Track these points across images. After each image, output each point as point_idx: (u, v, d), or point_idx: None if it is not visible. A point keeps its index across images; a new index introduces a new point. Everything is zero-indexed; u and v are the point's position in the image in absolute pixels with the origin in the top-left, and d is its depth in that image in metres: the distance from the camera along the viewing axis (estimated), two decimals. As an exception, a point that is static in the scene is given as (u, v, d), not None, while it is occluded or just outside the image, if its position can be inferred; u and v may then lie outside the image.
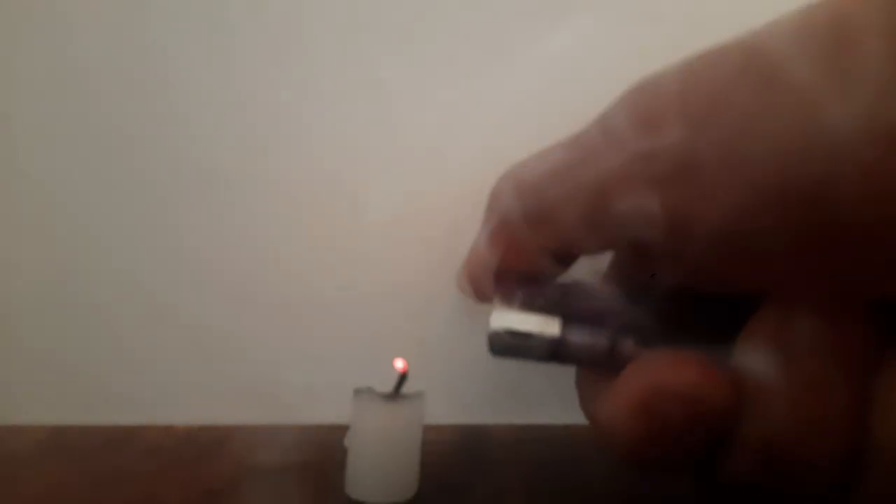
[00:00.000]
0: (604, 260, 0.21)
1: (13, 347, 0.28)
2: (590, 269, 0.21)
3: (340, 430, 0.23)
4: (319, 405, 0.28)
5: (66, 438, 0.27)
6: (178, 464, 0.25)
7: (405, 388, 0.23)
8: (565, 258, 0.20)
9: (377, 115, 0.27)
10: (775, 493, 0.16)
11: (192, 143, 0.27)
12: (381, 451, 0.22)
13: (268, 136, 0.27)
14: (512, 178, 0.20)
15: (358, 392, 0.22)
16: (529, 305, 0.19)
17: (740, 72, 0.14)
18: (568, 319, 0.18)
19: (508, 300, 0.19)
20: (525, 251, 0.20)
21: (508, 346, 0.19)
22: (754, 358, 0.16)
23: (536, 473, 0.24)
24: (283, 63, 0.27)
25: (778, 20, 0.14)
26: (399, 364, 0.22)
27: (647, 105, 0.16)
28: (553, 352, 0.18)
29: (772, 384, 0.15)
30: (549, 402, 0.28)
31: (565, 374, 0.28)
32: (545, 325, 0.18)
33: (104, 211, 0.27)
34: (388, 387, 0.23)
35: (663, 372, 0.16)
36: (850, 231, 0.13)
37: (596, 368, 0.19)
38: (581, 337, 0.18)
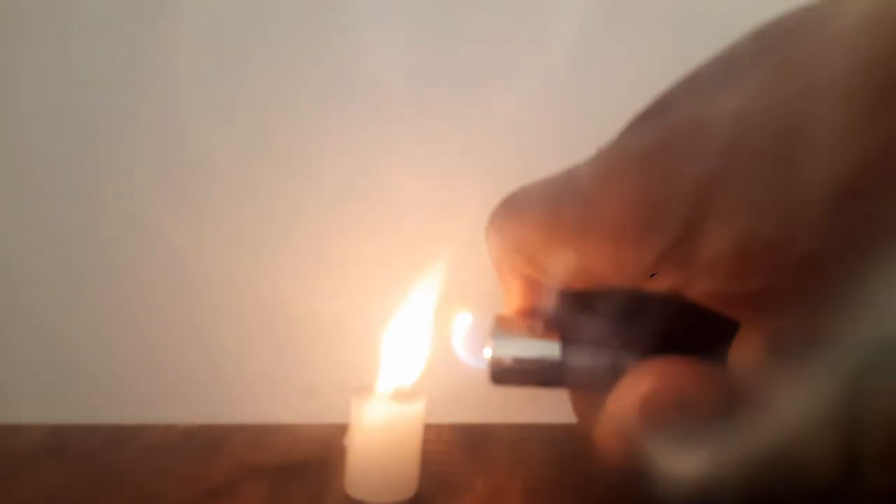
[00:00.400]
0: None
1: (13, 347, 0.28)
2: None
3: (340, 430, 0.23)
4: (319, 404, 0.28)
5: (65, 437, 0.27)
6: (178, 463, 0.25)
7: (405, 388, 0.23)
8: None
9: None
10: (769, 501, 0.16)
11: (193, 144, 0.27)
12: (381, 450, 0.22)
13: (269, 138, 0.27)
14: (514, 215, 0.19)
15: (358, 391, 0.22)
16: (528, 331, 0.18)
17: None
18: (568, 340, 0.18)
19: (506, 325, 0.19)
20: (528, 288, 0.19)
21: (509, 373, 0.18)
22: (748, 362, 0.16)
23: (536, 473, 0.24)
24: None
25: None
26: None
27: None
28: (555, 377, 0.18)
29: (765, 388, 0.15)
30: (549, 401, 0.28)
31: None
32: (545, 350, 0.18)
33: (104, 211, 0.27)
34: (388, 387, 0.23)
35: (658, 379, 0.16)
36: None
37: (597, 390, 0.19)
38: (582, 360, 0.18)
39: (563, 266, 0.17)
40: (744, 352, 0.16)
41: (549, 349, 0.18)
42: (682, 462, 0.17)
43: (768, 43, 0.15)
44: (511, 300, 0.20)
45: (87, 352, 0.28)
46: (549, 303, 0.19)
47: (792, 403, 0.15)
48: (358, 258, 0.27)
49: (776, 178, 0.14)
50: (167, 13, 0.26)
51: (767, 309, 0.15)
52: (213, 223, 0.27)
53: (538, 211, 0.18)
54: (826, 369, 0.15)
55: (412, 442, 0.22)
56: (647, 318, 0.18)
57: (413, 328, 0.24)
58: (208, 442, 0.26)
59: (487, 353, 0.19)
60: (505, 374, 0.18)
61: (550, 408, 0.28)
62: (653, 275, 0.19)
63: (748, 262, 0.14)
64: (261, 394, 0.28)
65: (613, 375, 0.18)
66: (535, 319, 0.19)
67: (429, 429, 0.23)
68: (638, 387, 0.17)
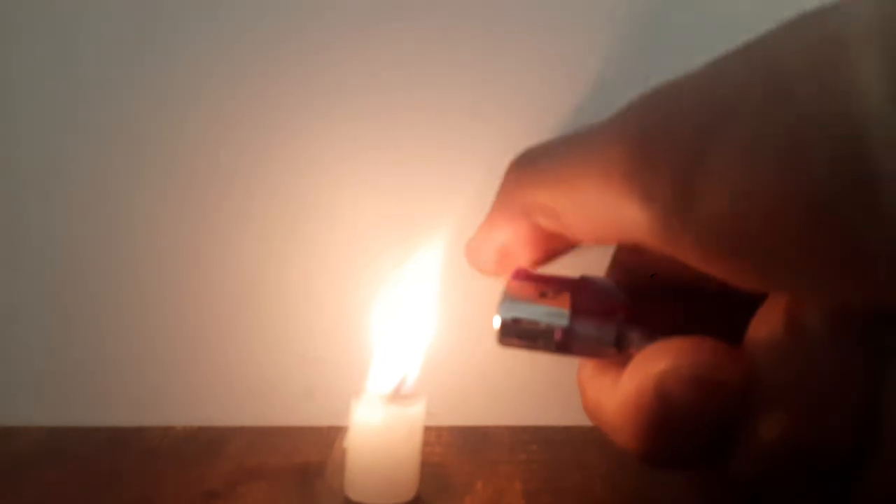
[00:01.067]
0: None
1: (12, 348, 0.28)
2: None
3: (340, 432, 0.23)
4: (319, 407, 0.28)
5: (64, 440, 0.27)
6: (177, 465, 0.25)
7: (405, 390, 0.23)
8: (563, 247, 0.20)
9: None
10: (779, 491, 0.16)
11: (193, 143, 0.27)
12: (381, 452, 0.22)
13: (269, 139, 0.27)
14: (530, 163, 0.20)
15: (358, 394, 0.22)
16: (538, 297, 0.19)
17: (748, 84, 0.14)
18: (576, 312, 0.18)
19: (517, 291, 0.19)
20: (530, 232, 0.19)
21: (516, 334, 0.19)
22: (766, 343, 0.16)
23: (537, 475, 0.24)
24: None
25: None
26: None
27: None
28: (560, 342, 0.18)
29: (783, 370, 0.15)
30: (549, 403, 0.28)
31: (565, 376, 0.28)
32: (553, 316, 0.19)
33: (104, 212, 0.27)
34: (388, 388, 0.23)
35: (676, 355, 0.16)
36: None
37: (602, 360, 0.19)
38: (588, 328, 0.18)
39: (571, 217, 0.18)
40: (761, 329, 0.16)
41: (557, 315, 0.18)
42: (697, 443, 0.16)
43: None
44: (502, 245, 0.20)
45: (85, 354, 0.28)
46: (556, 255, 0.20)
47: (810, 381, 0.15)
48: (359, 260, 0.27)
49: (776, 117, 0.13)
50: (167, 13, 0.26)
51: (780, 275, 0.14)
52: (212, 224, 0.27)
53: (549, 160, 0.18)
54: (845, 344, 0.15)
55: (412, 444, 0.22)
56: (662, 300, 0.19)
57: (413, 326, 0.24)
58: (207, 444, 0.26)
59: (496, 317, 0.19)
60: (511, 335, 0.19)
61: (550, 410, 0.28)
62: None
63: (752, 209, 0.13)
64: (260, 396, 0.28)
65: (624, 350, 0.18)
66: (547, 287, 0.19)
67: (428, 431, 0.23)
68: (654, 362, 0.16)
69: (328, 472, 0.24)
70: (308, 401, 0.28)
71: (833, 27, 0.13)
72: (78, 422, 0.28)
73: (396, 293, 0.24)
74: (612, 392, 0.18)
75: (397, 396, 0.22)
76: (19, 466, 0.25)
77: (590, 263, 0.21)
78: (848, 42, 0.13)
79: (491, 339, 0.28)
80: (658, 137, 0.15)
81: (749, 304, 0.16)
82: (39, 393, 0.28)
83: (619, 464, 0.25)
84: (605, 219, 0.17)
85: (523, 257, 0.20)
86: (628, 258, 0.21)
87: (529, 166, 0.19)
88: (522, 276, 0.20)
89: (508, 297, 0.19)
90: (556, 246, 0.20)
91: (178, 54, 0.26)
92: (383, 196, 0.27)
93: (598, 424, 0.19)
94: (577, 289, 0.19)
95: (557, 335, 0.18)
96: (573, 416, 0.28)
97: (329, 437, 0.26)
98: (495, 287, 0.27)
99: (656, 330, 0.18)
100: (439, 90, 0.27)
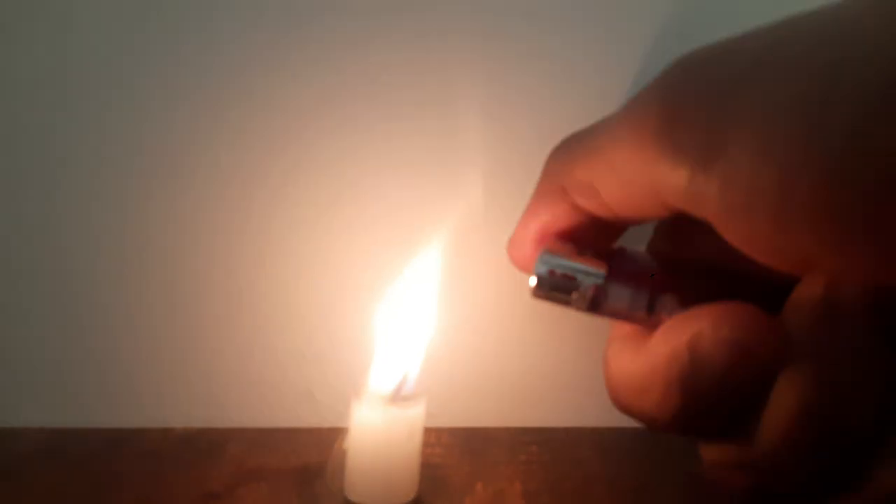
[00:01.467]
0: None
1: (12, 350, 0.28)
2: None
3: (340, 434, 0.23)
4: (319, 408, 0.28)
5: (64, 441, 0.27)
6: (177, 467, 0.25)
7: (405, 391, 0.23)
8: (609, 229, 0.20)
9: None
10: (797, 468, 0.16)
11: (193, 144, 0.27)
12: (381, 454, 0.22)
13: (270, 139, 0.27)
14: (567, 145, 0.20)
15: (358, 395, 0.22)
16: (576, 255, 0.19)
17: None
18: (612, 272, 0.19)
19: (555, 247, 0.20)
20: (570, 215, 0.20)
21: (551, 286, 0.19)
22: (802, 316, 0.16)
23: (536, 476, 0.24)
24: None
25: None
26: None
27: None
28: (594, 299, 0.19)
29: (816, 343, 0.15)
30: (549, 405, 0.28)
31: (565, 377, 0.28)
32: (589, 273, 0.19)
33: (104, 212, 0.27)
34: (388, 389, 0.23)
35: (711, 318, 0.16)
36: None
37: (630, 328, 0.19)
38: (622, 290, 0.19)
39: (606, 187, 0.18)
40: (798, 302, 0.16)
41: (593, 272, 0.19)
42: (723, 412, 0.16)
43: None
44: (545, 222, 0.20)
45: (85, 355, 0.28)
46: (593, 233, 0.20)
47: (841, 357, 0.15)
48: (359, 261, 0.27)
49: (799, 74, 0.14)
50: (167, 13, 0.26)
51: (795, 242, 0.14)
52: (212, 225, 0.27)
53: (583, 139, 0.19)
54: (879, 328, 0.15)
55: (412, 445, 0.22)
56: (696, 278, 0.19)
57: (413, 327, 0.24)
58: (207, 446, 0.26)
59: (534, 274, 0.19)
60: (546, 288, 0.19)
61: (551, 411, 0.28)
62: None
63: (770, 166, 0.14)
64: (260, 397, 0.28)
65: (655, 315, 0.18)
66: (585, 250, 0.20)
67: (428, 432, 0.23)
68: (691, 323, 0.16)
69: (328, 473, 0.24)
70: (308, 402, 0.28)
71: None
72: (78, 423, 0.28)
73: (397, 294, 0.24)
74: (641, 358, 0.17)
75: (397, 398, 0.22)
76: (19, 468, 0.25)
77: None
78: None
79: (491, 341, 0.28)
80: (688, 95, 0.16)
81: (784, 291, 0.16)
82: (39, 394, 0.28)
83: (618, 465, 0.25)
84: (638, 184, 0.17)
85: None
86: (663, 245, 0.21)
87: (565, 149, 0.20)
88: (562, 239, 0.20)
89: (547, 251, 0.19)
90: (595, 232, 0.20)
91: (178, 55, 0.26)
92: (384, 197, 0.27)
93: (621, 397, 0.19)
94: (614, 254, 0.20)
95: (592, 292, 0.19)
96: (573, 418, 0.28)
97: (329, 439, 0.26)
98: (495, 288, 0.27)
99: (689, 301, 0.18)
100: (440, 91, 0.27)
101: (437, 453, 0.26)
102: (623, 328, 0.20)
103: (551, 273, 0.19)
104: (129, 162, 0.27)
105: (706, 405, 0.16)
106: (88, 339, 0.28)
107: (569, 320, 0.27)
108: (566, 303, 0.19)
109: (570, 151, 0.20)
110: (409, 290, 0.24)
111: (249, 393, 0.28)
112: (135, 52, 0.26)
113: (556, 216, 0.20)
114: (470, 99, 0.27)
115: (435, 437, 0.27)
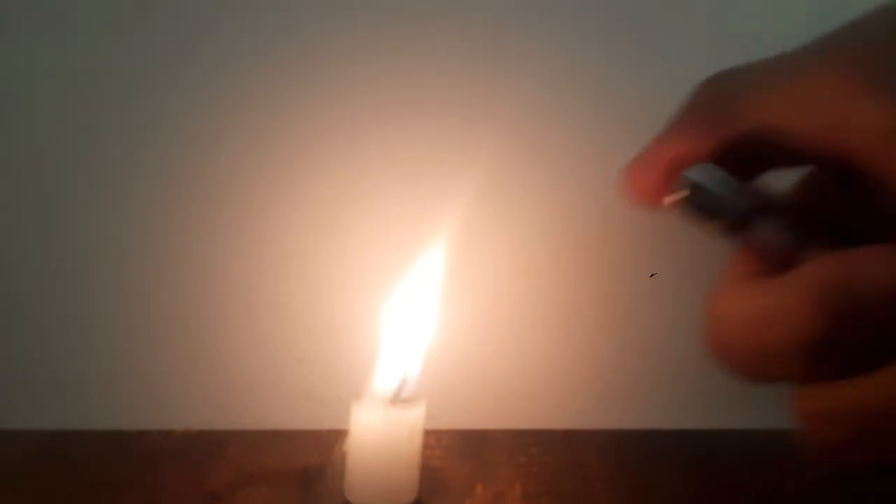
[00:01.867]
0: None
1: (12, 352, 0.28)
2: None
3: (340, 435, 0.23)
4: (319, 410, 0.28)
5: (64, 443, 0.27)
6: (178, 469, 0.25)
7: (405, 394, 0.23)
8: (744, 174, 0.20)
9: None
10: None
11: (193, 146, 0.27)
12: (381, 456, 0.22)
13: (270, 141, 0.27)
14: (728, 78, 0.20)
15: (358, 397, 0.22)
16: (729, 176, 0.19)
17: None
18: (764, 203, 0.19)
19: (709, 166, 0.19)
20: (711, 148, 0.19)
21: (704, 202, 0.19)
22: None
23: (536, 478, 0.24)
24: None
25: None
26: None
27: None
28: (744, 215, 0.18)
29: None
30: (549, 407, 0.28)
31: (565, 380, 0.28)
32: (741, 193, 0.19)
33: (104, 214, 0.27)
34: (388, 392, 0.23)
35: (874, 251, 0.16)
36: None
37: (771, 257, 0.18)
38: (771, 219, 0.18)
39: (788, 115, 0.18)
40: None
41: (744, 194, 0.19)
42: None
43: None
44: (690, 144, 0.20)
45: (85, 357, 0.28)
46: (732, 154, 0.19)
47: None
48: (360, 263, 0.27)
49: None
50: (168, 14, 0.26)
51: None
52: (212, 227, 0.27)
53: (757, 72, 0.19)
54: None
55: (412, 447, 0.22)
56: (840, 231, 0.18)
57: (414, 329, 0.24)
58: (208, 448, 0.26)
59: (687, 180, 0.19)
60: (699, 201, 0.19)
61: (550, 413, 0.28)
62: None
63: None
64: (260, 399, 0.28)
65: (803, 251, 0.18)
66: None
67: (428, 434, 0.23)
68: (848, 256, 0.16)
69: (328, 475, 0.24)
70: (308, 404, 0.28)
71: None
72: (78, 425, 0.28)
73: (398, 297, 0.24)
74: (775, 288, 0.17)
75: (398, 400, 0.22)
76: (20, 470, 0.25)
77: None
78: None
79: (490, 344, 0.28)
80: (892, 35, 0.16)
81: None
82: (40, 397, 0.28)
83: (617, 467, 0.25)
84: (825, 116, 0.17)
85: None
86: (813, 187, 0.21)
87: (724, 83, 0.20)
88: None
89: (701, 165, 0.19)
90: (735, 165, 0.20)
91: (179, 57, 0.27)
92: (385, 199, 0.27)
93: (734, 334, 0.17)
94: (765, 193, 0.19)
95: (747, 214, 0.18)
96: (573, 420, 0.28)
97: (329, 441, 0.26)
98: (495, 290, 0.28)
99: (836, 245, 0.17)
100: (441, 93, 0.27)
101: (437, 455, 0.26)
102: (742, 267, 0.19)
103: (700, 185, 0.18)
104: (129, 164, 0.27)
105: (857, 338, 0.15)
106: (89, 341, 0.28)
107: (569, 323, 0.28)
108: (708, 219, 0.19)
109: (732, 85, 0.19)
110: (409, 292, 0.24)
111: (250, 395, 0.28)
112: (135, 53, 0.27)
113: (696, 147, 0.19)
114: (471, 99, 0.27)
115: (435, 439, 0.27)
